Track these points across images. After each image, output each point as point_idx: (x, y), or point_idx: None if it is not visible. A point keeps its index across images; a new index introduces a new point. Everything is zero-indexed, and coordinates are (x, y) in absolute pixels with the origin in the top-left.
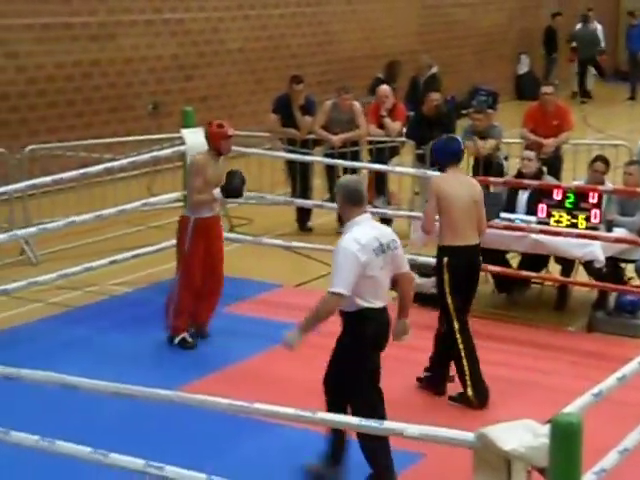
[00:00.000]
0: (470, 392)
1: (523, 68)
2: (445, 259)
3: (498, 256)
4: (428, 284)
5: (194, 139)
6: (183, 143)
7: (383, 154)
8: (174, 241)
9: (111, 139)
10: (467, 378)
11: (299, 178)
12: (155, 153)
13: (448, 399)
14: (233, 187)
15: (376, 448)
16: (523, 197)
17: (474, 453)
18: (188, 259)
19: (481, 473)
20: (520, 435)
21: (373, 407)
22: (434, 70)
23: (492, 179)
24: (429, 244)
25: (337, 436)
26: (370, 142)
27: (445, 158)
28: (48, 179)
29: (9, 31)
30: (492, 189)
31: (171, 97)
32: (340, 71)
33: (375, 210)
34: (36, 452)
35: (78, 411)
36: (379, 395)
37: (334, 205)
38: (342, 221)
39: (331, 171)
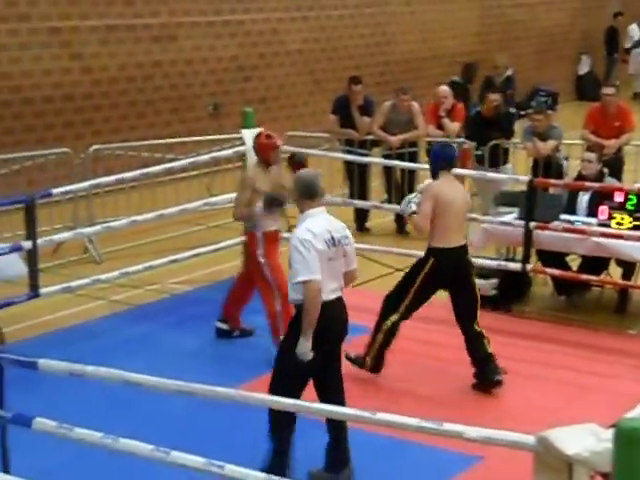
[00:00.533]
0: (368, 360)
1: (584, 68)
2: (432, 260)
3: (558, 259)
4: (486, 286)
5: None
6: (243, 143)
7: None
8: (233, 240)
9: (172, 139)
10: (374, 349)
11: (357, 179)
12: (215, 153)
13: (345, 357)
14: (275, 197)
15: (282, 428)
16: (584, 199)
17: (535, 456)
18: (272, 271)
19: (542, 477)
20: (583, 439)
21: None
22: (509, 72)
23: (552, 181)
24: (488, 246)
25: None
26: (429, 143)
27: (439, 164)
28: (111, 178)
29: (75, 33)
30: (551, 191)
31: (230, 98)
32: (398, 72)
33: None
34: (99, 449)
35: (140, 408)
36: (300, 389)
37: (392, 206)
38: (400, 222)
39: (389, 172)
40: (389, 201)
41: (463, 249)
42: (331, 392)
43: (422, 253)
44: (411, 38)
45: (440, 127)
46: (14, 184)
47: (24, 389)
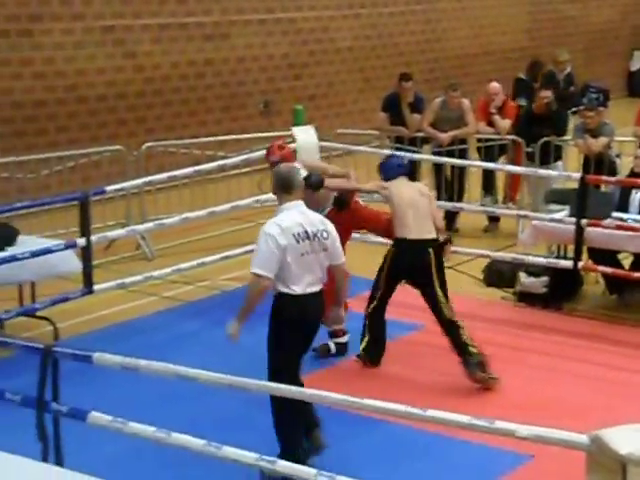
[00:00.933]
0: (362, 354)
1: (636, 65)
2: (393, 249)
3: (609, 256)
4: (537, 284)
5: (305, 137)
6: (293, 141)
7: (492, 152)
8: None
9: (223, 137)
10: (365, 340)
11: None
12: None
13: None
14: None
15: (285, 423)
16: (636, 197)
17: (588, 456)
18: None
19: (595, 477)
20: (637, 439)
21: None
22: (569, 69)
23: (604, 178)
24: (538, 244)
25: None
26: (479, 140)
27: (389, 174)
28: (163, 176)
29: (128, 31)
30: (603, 188)
31: (281, 96)
32: (448, 69)
33: (483, 208)
34: (152, 443)
35: (192, 403)
36: (293, 380)
37: (442, 203)
38: (451, 219)
39: (439, 169)
40: (438, 198)
41: (423, 243)
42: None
43: (467, 250)
44: (461, 34)
45: (490, 124)
46: (69, 181)
47: (78, 383)
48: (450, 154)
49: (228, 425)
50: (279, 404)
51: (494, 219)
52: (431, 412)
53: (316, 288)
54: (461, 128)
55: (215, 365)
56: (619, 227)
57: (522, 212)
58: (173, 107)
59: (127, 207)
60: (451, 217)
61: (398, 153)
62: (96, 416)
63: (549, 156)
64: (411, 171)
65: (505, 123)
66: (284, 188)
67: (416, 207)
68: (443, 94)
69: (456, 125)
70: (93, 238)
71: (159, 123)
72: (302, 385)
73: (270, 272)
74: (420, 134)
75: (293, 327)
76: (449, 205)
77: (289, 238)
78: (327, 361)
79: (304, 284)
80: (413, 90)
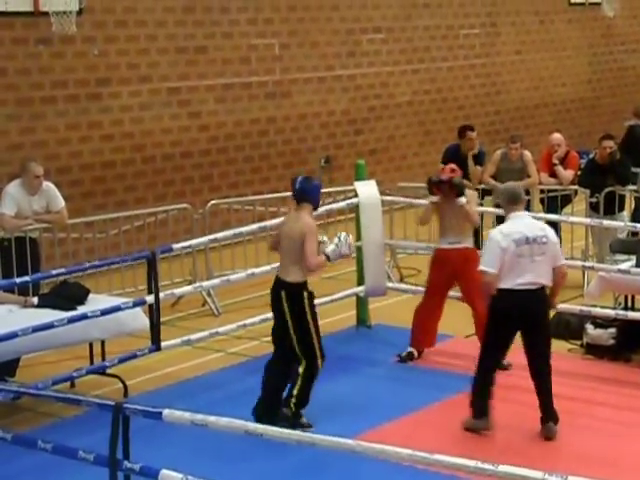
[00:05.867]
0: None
1: None
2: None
3: None
4: (605, 336)
5: (367, 191)
6: (355, 195)
7: (555, 203)
8: (347, 292)
9: (286, 193)
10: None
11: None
12: (329, 206)
13: None
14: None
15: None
16: None
17: None
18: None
19: None
20: None
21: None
22: None
23: None
24: (605, 295)
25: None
26: (542, 191)
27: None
28: (229, 233)
29: (193, 92)
30: None
31: (342, 151)
32: (509, 121)
33: None
34: None
35: (261, 460)
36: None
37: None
38: None
39: (501, 222)
40: None
41: (278, 282)
42: (537, 356)
43: None
44: (521, 86)
45: (554, 175)
46: (136, 240)
47: (148, 440)
48: None
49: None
50: (478, 372)
51: None
52: (503, 467)
53: (530, 287)
54: (523, 180)
55: None
56: None
57: (588, 263)
58: (237, 165)
59: (193, 264)
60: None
61: None
62: (167, 474)
63: (613, 206)
64: None
65: (568, 174)
66: (511, 201)
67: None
68: (504, 146)
69: (518, 177)
70: (161, 295)
71: (223, 181)
72: (530, 367)
73: (493, 268)
74: (482, 186)
75: (500, 317)
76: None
77: (509, 242)
78: (392, 415)
79: (518, 282)
80: (477, 141)
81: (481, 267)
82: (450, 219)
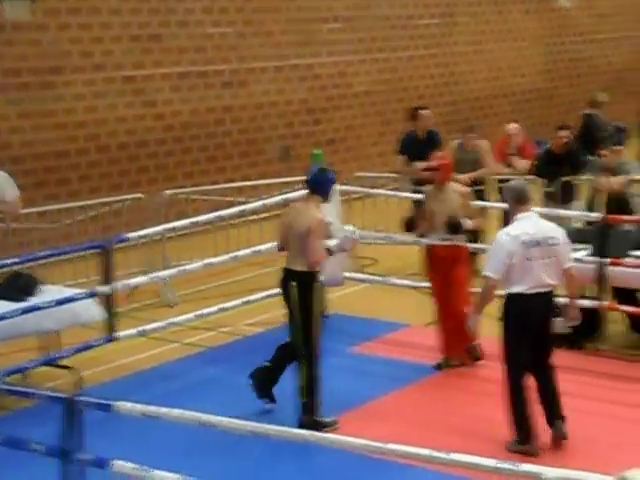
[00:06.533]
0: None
1: None
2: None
3: (629, 295)
4: (559, 324)
5: None
6: None
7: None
8: None
9: (243, 183)
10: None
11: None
12: (286, 195)
13: None
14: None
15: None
16: None
17: None
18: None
19: None
20: None
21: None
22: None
23: (625, 217)
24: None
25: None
26: (500, 181)
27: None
28: (186, 222)
29: (148, 81)
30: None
31: (300, 140)
32: (467, 111)
33: None
34: None
35: (216, 452)
36: (518, 375)
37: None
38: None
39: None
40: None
41: (288, 272)
42: (542, 371)
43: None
44: (480, 76)
45: (509, 165)
46: (91, 230)
47: (102, 432)
48: None
49: (251, 472)
50: (509, 392)
51: None
52: (455, 455)
53: (541, 290)
54: (479, 170)
55: (238, 411)
56: (639, 265)
57: None
58: (193, 154)
59: (149, 254)
60: (471, 258)
61: None
62: (120, 464)
63: (569, 195)
64: None
65: (523, 163)
66: (518, 200)
67: (293, 236)
68: (461, 136)
69: (474, 167)
70: (115, 286)
71: (179, 170)
72: (535, 372)
73: (496, 274)
74: None
75: (516, 323)
76: (469, 246)
77: (517, 244)
78: (348, 406)
79: (528, 285)
80: (432, 120)
81: (485, 272)
82: (440, 214)
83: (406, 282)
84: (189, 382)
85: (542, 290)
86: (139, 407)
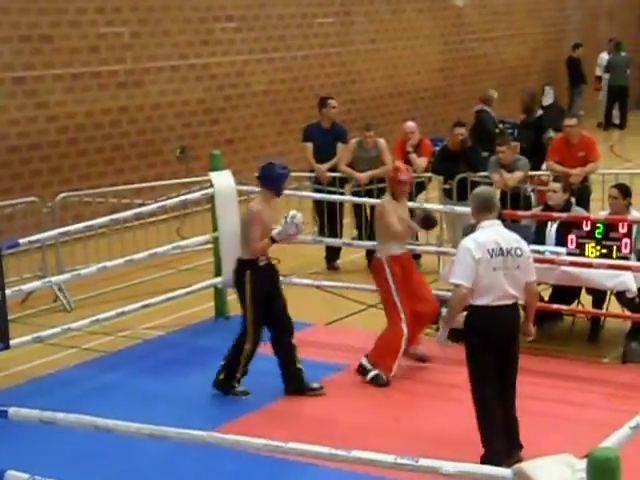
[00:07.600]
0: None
1: (548, 100)
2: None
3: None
4: (460, 319)
5: (221, 181)
6: (211, 186)
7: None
8: (204, 283)
9: (140, 184)
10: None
11: (327, 216)
12: (184, 197)
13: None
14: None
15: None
16: (552, 229)
17: None
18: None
19: None
20: (558, 470)
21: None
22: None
23: (520, 212)
24: None
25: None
26: None
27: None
28: (80, 226)
29: (39, 82)
30: (522, 222)
31: (198, 141)
32: (365, 109)
33: (405, 247)
34: None
35: (115, 458)
36: (487, 390)
37: (363, 242)
38: (369, 259)
39: (358, 209)
40: (359, 237)
41: (237, 260)
42: (507, 386)
43: None
44: (376, 75)
45: (408, 162)
46: None
47: None
48: (369, 193)
49: (150, 477)
50: (477, 409)
51: (416, 256)
52: (355, 453)
53: (507, 301)
54: (378, 167)
55: (139, 416)
56: (536, 260)
57: (442, 249)
58: (88, 156)
59: (43, 259)
60: (334, 254)
61: None
62: (14, 475)
63: (466, 192)
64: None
65: (421, 161)
66: (484, 208)
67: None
68: (360, 135)
69: (373, 165)
70: (8, 292)
71: (74, 173)
72: (498, 396)
73: (467, 281)
74: (338, 174)
75: (481, 337)
76: (370, 244)
77: (483, 252)
78: (250, 407)
79: (493, 297)
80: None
81: (453, 280)
82: (403, 223)
83: (307, 281)
84: (88, 388)
85: (507, 302)
86: (35, 413)
